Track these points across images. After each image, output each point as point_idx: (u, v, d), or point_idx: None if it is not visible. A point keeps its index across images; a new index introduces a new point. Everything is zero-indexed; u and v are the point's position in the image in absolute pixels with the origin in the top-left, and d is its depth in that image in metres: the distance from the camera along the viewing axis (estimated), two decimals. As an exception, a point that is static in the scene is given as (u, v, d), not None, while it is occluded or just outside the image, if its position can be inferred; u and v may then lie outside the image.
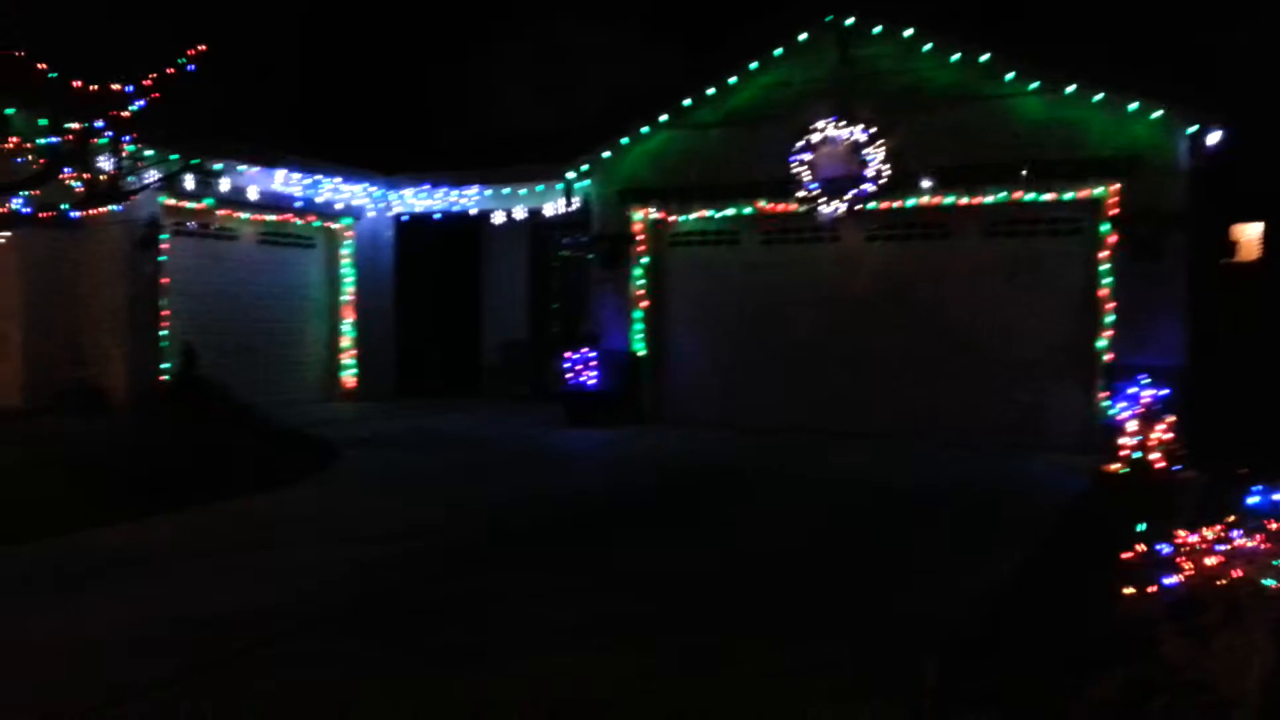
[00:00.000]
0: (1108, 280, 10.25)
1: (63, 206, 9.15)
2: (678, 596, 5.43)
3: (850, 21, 11.17)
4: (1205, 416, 9.06)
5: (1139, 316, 10.01)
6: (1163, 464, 8.71)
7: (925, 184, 10.82)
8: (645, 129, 12.48)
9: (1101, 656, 3.84)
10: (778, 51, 11.64)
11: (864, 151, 11.03)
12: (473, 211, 15.04)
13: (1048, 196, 10.59)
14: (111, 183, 9.51)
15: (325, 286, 15.10)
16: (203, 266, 13.17)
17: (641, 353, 12.74)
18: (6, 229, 9.30)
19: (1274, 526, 4.41)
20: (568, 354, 12.64)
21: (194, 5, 10.82)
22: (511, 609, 5.17)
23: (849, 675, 4.22)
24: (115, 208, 9.97)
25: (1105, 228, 10.28)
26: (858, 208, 11.21)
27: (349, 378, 15.13)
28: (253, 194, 13.31)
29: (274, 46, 14.60)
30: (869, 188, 11.03)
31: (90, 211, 9.48)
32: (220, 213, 13.18)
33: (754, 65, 11.79)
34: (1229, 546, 4.41)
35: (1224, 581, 4.08)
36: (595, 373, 12.43)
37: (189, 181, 11.94)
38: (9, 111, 9.85)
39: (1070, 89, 10.29)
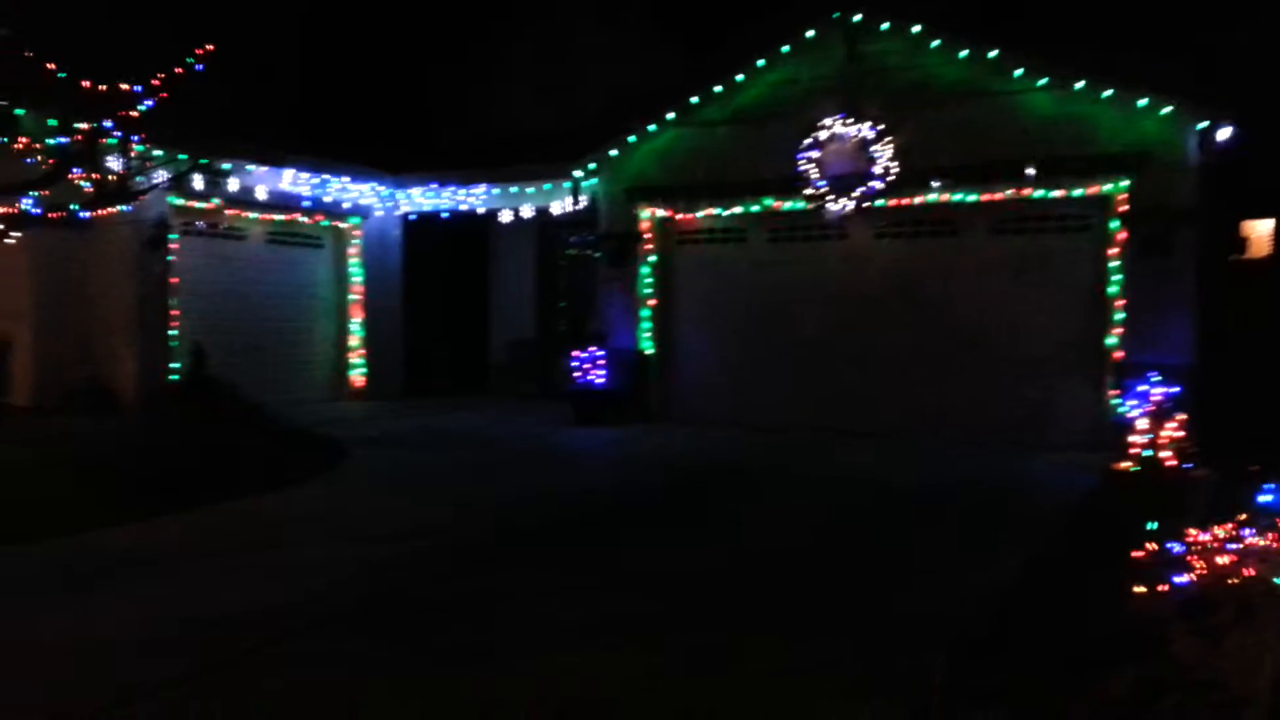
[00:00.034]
0: (1117, 277, 10.20)
1: (72, 207, 9.19)
2: (685, 595, 5.43)
3: (858, 18, 11.13)
4: (1216, 414, 9.01)
5: (1148, 313, 9.96)
6: (1173, 462, 8.66)
7: (933, 181, 10.79)
8: (652, 127, 12.47)
9: (1111, 655, 3.83)
10: (785, 48, 11.61)
11: (872, 149, 11.00)
12: (480, 210, 15.06)
13: (1056, 193, 10.53)
14: (120, 183, 9.55)
15: (333, 286, 15.13)
16: (211, 266, 13.22)
17: (649, 351, 12.74)
18: (16, 229, 9.34)
19: (1286, 525, 4.38)
20: (575, 353, 12.64)
21: (197, 5, 10.85)
22: (519, 608, 5.17)
23: (855, 674, 4.21)
24: (124, 208, 10.00)
25: (1114, 224, 10.23)
26: (865, 205, 11.19)
27: (357, 377, 15.16)
28: (261, 194, 13.35)
29: (276, 46, 14.64)
30: (877, 185, 11.00)
31: (99, 212, 9.52)
32: (228, 212, 13.21)
33: (761, 62, 11.76)
34: (1241, 545, 4.39)
35: (1236, 580, 4.07)
36: (603, 371, 12.43)
37: (197, 181, 11.98)
38: (19, 112, 9.90)
39: (1079, 85, 10.24)
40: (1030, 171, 10.33)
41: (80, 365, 11.77)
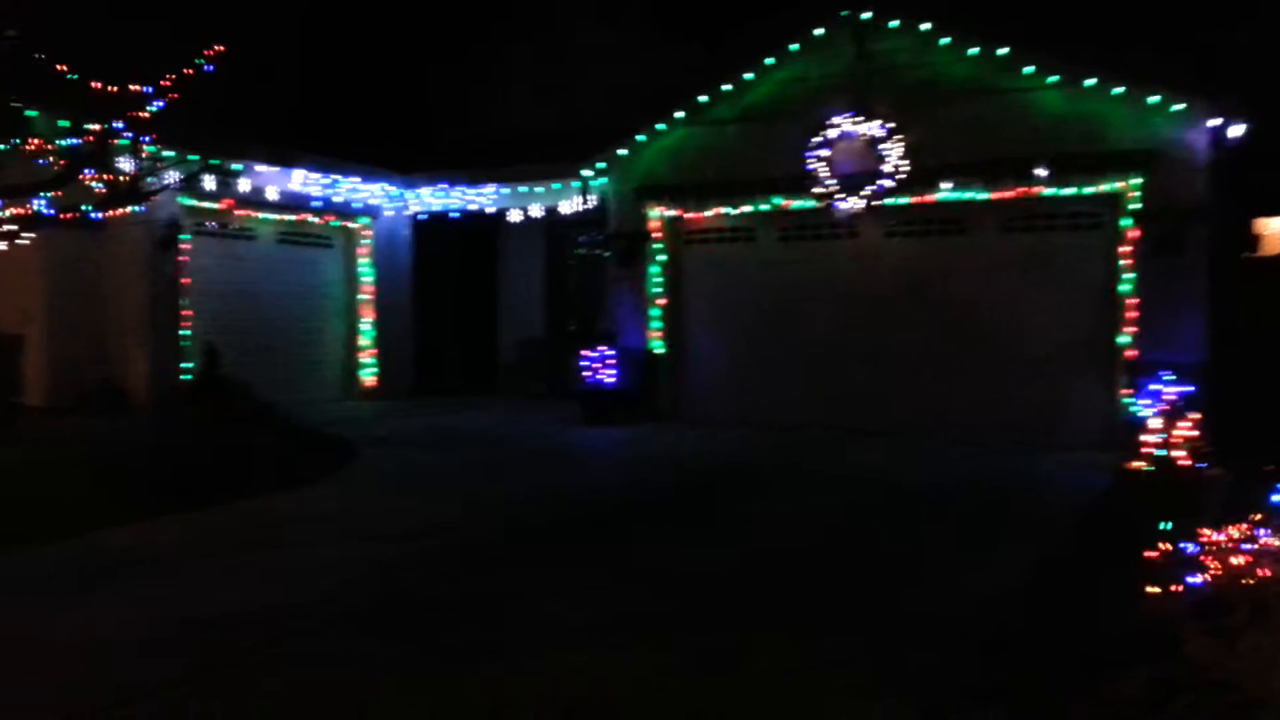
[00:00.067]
0: (1129, 275, 10.15)
1: (84, 207, 9.23)
2: (694, 594, 5.42)
3: (867, 15, 11.09)
4: (1229, 412, 8.95)
5: (1161, 312, 9.91)
6: (1187, 461, 8.60)
7: (943, 180, 10.75)
8: (661, 126, 12.46)
9: (1124, 656, 3.81)
10: (794, 47, 11.59)
11: (881, 147, 10.96)
12: (489, 210, 15.08)
13: (1067, 191, 10.48)
14: (132, 183, 9.59)
15: (343, 285, 15.17)
16: (223, 266, 13.26)
17: (658, 350, 12.73)
18: (30, 230, 9.39)
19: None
20: (585, 352, 12.63)
21: (201, 6, 10.90)
22: (528, 607, 5.17)
23: (864, 672, 4.20)
24: (136, 208, 10.05)
25: (1126, 222, 10.18)
26: (875, 204, 11.15)
27: (367, 376, 15.20)
28: (271, 194, 13.39)
29: (280, 47, 14.70)
30: (886, 183, 10.97)
31: (111, 212, 9.56)
32: (239, 213, 13.27)
33: (770, 61, 11.74)
34: (1255, 545, 4.36)
35: (1250, 581, 4.04)
36: (612, 371, 12.42)
37: (209, 182, 12.04)
38: (31, 113, 9.96)
39: (1090, 82, 10.19)
40: (1042, 172, 10.28)
41: (93, 365, 11.83)
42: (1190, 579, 4.25)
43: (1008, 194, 10.70)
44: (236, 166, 12.22)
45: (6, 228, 9.04)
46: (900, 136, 10.90)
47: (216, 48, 9.04)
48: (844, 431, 11.17)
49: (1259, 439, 7.61)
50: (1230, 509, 5.42)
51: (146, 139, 9.47)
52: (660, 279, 12.77)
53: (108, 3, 10.02)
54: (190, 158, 11.03)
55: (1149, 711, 3.41)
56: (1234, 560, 4.25)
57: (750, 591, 5.52)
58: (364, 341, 15.21)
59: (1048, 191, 10.53)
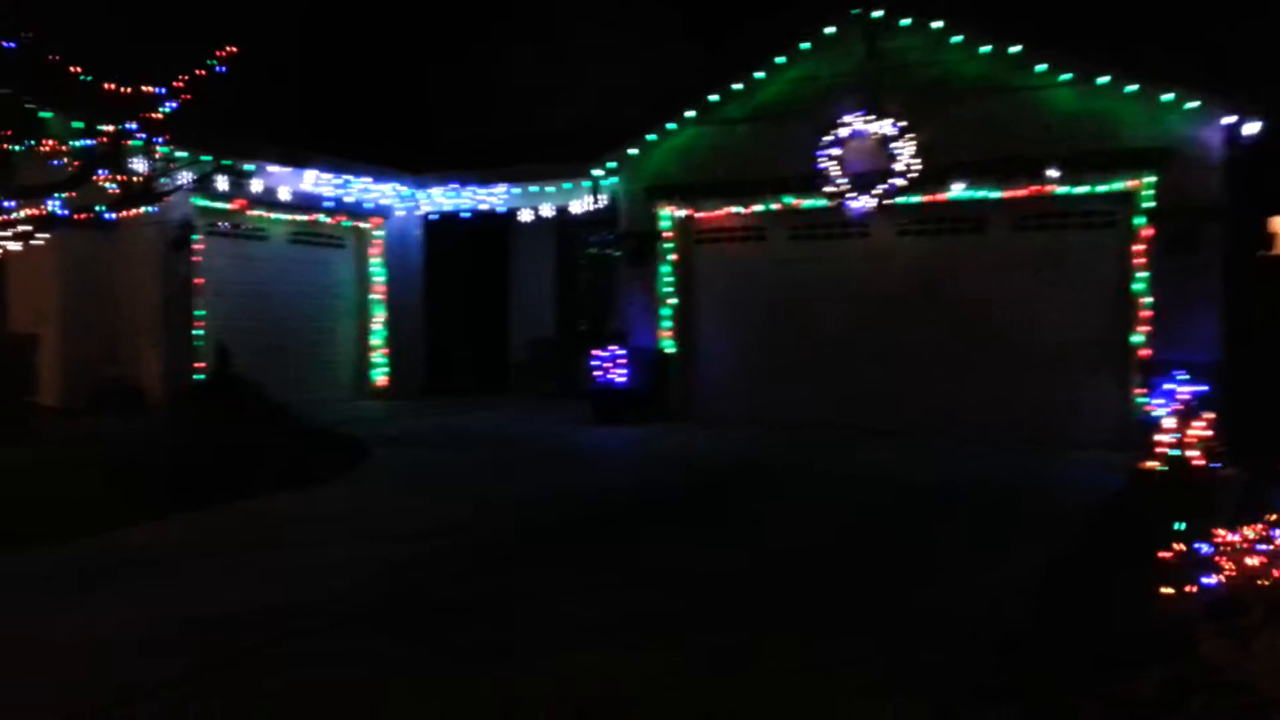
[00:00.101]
0: (1142, 274, 10.09)
1: (98, 208, 9.29)
2: (705, 594, 5.41)
3: (878, 14, 11.06)
4: (1244, 412, 8.89)
5: (1175, 310, 9.85)
6: (1201, 461, 8.55)
7: (955, 178, 10.71)
8: (672, 125, 12.44)
9: (1137, 656, 3.79)
10: (805, 45, 11.57)
11: (893, 146, 10.93)
12: (500, 210, 15.10)
13: (1080, 189, 10.43)
14: (145, 184, 9.65)
15: (355, 285, 15.22)
16: (235, 267, 13.32)
17: (669, 350, 12.72)
18: (44, 230, 9.45)
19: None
20: (595, 352, 12.64)
21: (206, 7, 10.95)
22: (539, 607, 5.17)
23: (876, 672, 4.19)
24: (149, 209, 10.11)
25: (1139, 220, 10.12)
26: (887, 202, 11.12)
27: (379, 376, 15.24)
28: (283, 194, 13.44)
29: (294, 48, 14.75)
30: (898, 182, 10.94)
31: (125, 213, 9.62)
32: (252, 213, 13.32)
33: (781, 59, 11.72)
34: (1270, 546, 4.33)
35: (1266, 582, 4.01)
36: (623, 370, 12.42)
37: (221, 182, 12.09)
38: (45, 115, 10.03)
39: (1103, 80, 10.13)
40: (1054, 173, 10.24)
41: (106, 365, 11.90)
42: (1205, 579, 4.22)
43: (1020, 192, 10.65)
44: (249, 167, 12.28)
45: (21, 228, 9.11)
46: (912, 135, 10.86)
47: (229, 49, 9.09)
48: (855, 431, 11.14)
49: (1274, 439, 7.56)
50: (1245, 509, 5.39)
51: (160, 140, 9.52)
52: (671, 278, 12.76)
53: (121, 5, 10.08)
54: (203, 158, 11.08)
55: (1162, 712, 3.39)
56: (1249, 561, 4.22)
57: (761, 591, 5.51)
58: (375, 341, 15.25)
59: (1060, 190, 10.48)
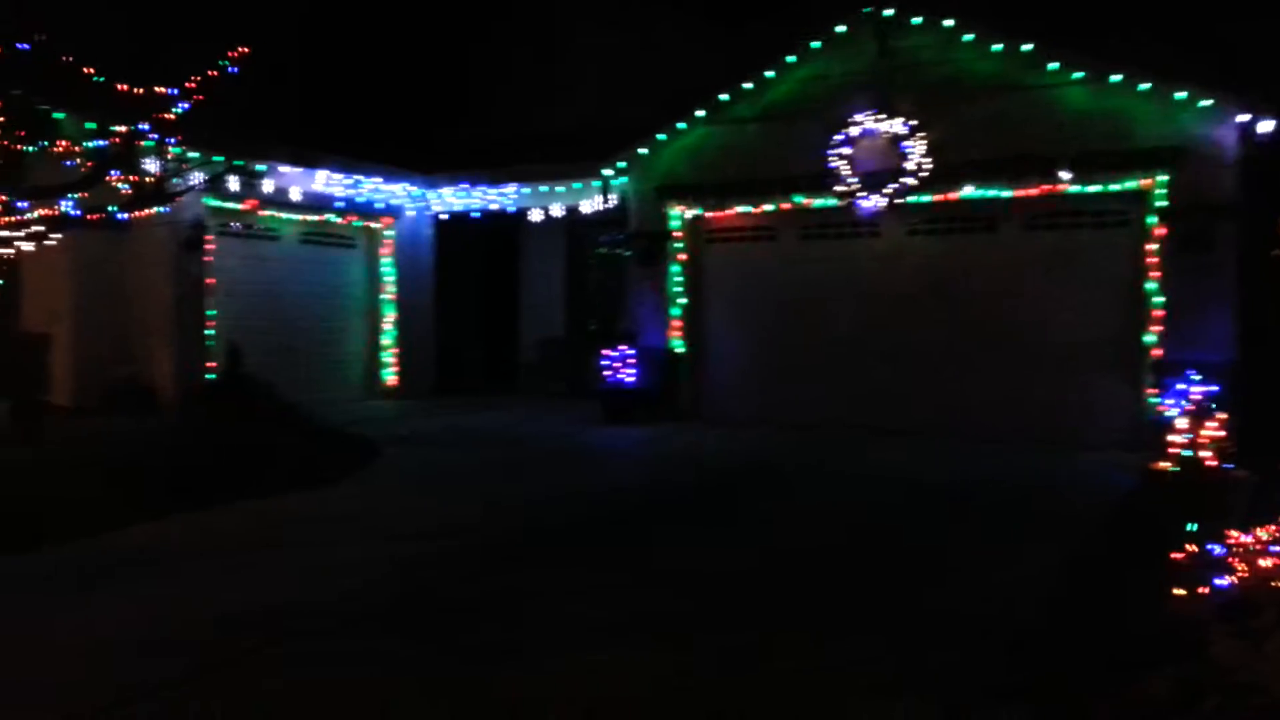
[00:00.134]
0: (1155, 273, 10.03)
1: (110, 209, 9.34)
2: (715, 593, 5.41)
3: (889, 12, 11.03)
4: (1258, 413, 8.83)
5: (1188, 310, 9.78)
6: (1214, 462, 8.49)
7: (966, 177, 10.67)
8: (682, 125, 12.44)
9: (1149, 656, 3.77)
10: (815, 44, 11.54)
11: (904, 144, 10.90)
12: (510, 210, 15.12)
13: (1092, 188, 10.37)
14: (157, 185, 9.70)
15: (366, 285, 15.26)
16: (246, 267, 13.37)
17: (679, 350, 12.71)
18: (57, 231, 9.51)
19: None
20: (605, 351, 12.64)
21: (223, 8, 11.00)
22: (548, 606, 5.17)
23: (886, 671, 4.17)
24: (161, 209, 10.16)
25: (1152, 219, 10.07)
26: (898, 202, 11.09)
27: (389, 376, 15.28)
28: (295, 194, 13.49)
29: (305, 49, 14.80)
30: (909, 181, 10.90)
31: (137, 213, 9.66)
32: (263, 213, 13.36)
33: (791, 58, 11.70)
34: (1283, 546, 4.30)
35: (1278, 583, 3.98)
36: (633, 370, 12.42)
37: (233, 183, 12.14)
38: (58, 115, 10.09)
39: (1116, 78, 10.08)
40: (1065, 174, 10.18)
41: (119, 365, 11.96)
42: (1217, 580, 4.20)
43: (1032, 191, 10.60)
44: (260, 167, 12.32)
45: (34, 229, 9.16)
46: (923, 134, 10.83)
47: (240, 50, 9.12)
48: (865, 430, 11.12)
49: (1288, 439, 7.51)
50: (1257, 510, 5.35)
51: (172, 140, 9.57)
52: (681, 278, 12.75)
53: (134, 7, 10.14)
54: (215, 159, 11.12)
55: (1174, 712, 3.37)
56: (1261, 562, 4.19)
57: (771, 591, 5.51)
58: (386, 341, 15.29)
59: (1072, 189, 10.43)
